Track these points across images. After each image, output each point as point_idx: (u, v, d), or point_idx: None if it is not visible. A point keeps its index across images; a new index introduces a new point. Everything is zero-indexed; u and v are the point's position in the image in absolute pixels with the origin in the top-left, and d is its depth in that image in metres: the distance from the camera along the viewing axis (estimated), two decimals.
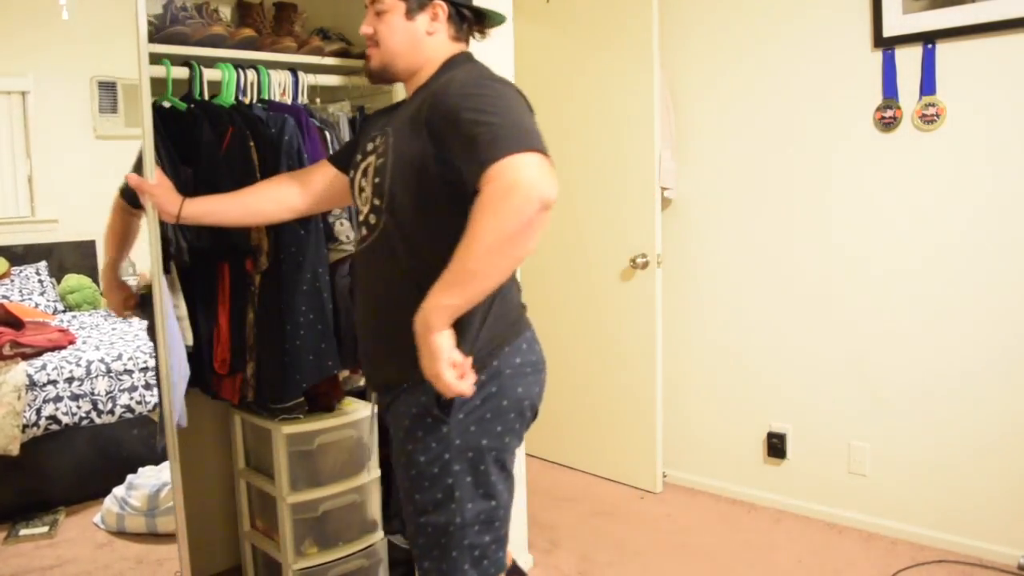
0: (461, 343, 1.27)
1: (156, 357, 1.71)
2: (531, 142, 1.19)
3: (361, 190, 1.45)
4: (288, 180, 1.71)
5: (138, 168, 1.67)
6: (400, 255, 1.38)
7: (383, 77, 1.51)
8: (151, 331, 1.81)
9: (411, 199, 1.35)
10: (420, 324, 1.23)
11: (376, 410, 1.55)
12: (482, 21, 1.53)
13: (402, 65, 1.47)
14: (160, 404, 1.77)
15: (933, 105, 2.46)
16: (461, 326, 1.28)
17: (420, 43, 1.44)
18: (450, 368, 1.21)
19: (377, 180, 1.39)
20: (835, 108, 2.67)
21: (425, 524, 1.39)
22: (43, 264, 2.31)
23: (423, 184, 1.34)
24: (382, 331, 1.44)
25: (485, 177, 1.17)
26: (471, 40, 1.54)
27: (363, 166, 1.46)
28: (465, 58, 1.47)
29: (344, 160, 1.64)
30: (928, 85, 2.46)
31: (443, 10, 1.43)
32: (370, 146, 1.46)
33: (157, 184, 1.63)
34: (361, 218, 1.46)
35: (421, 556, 1.41)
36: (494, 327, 1.38)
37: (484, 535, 1.39)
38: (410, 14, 1.43)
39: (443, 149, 1.29)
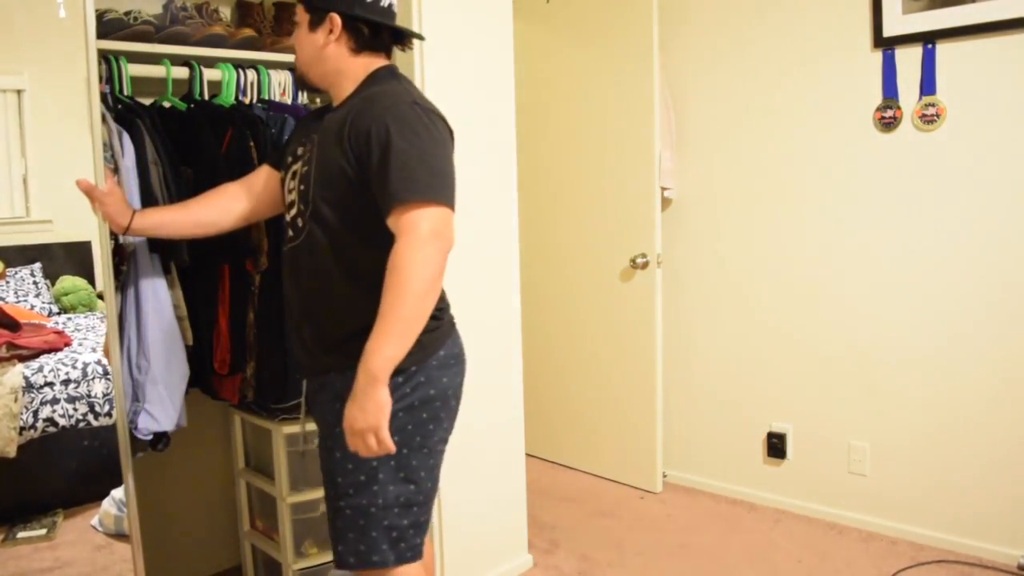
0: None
1: (125, 367, 1.69)
2: (441, 195, 1.33)
3: (289, 191, 1.51)
4: (234, 189, 1.71)
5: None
6: (327, 257, 1.43)
7: (304, 85, 1.57)
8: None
9: (334, 208, 1.41)
10: (367, 376, 1.29)
11: (304, 400, 1.62)
12: (399, 36, 1.54)
13: (314, 76, 1.52)
14: (116, 414, 1.78)
15: (933, 105, 2.46)
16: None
17: (322, 55, 1.47)
18: (387, 424, 1.29)
19: (303, 187, 1.45)
20: (835, 108, 2.67)
21: (344, 507, 1.44)
22: (38, 266, 2.29)
23: (345, 194, 1.39)
24: (317, 323, 1.48)
25: (397, 221, 1.30)
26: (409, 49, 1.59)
27: (292, 169, 1.51)
28: (388, 73, 1.49)
29: (280, 162, 1.65)
30: (928, 85, 2.46)
31: (336, 24, 1.45)
32: (300, 150, 1.50)
33: (108, 192, 1.62)
34: (288, 219, 1.51)
35: (337, 539, 1.46)
36: (428, 337, 1.43)
37: (403, 518, 1.44)
38: (311, 26, 1.48)
39: (361, 166, 1.36)
